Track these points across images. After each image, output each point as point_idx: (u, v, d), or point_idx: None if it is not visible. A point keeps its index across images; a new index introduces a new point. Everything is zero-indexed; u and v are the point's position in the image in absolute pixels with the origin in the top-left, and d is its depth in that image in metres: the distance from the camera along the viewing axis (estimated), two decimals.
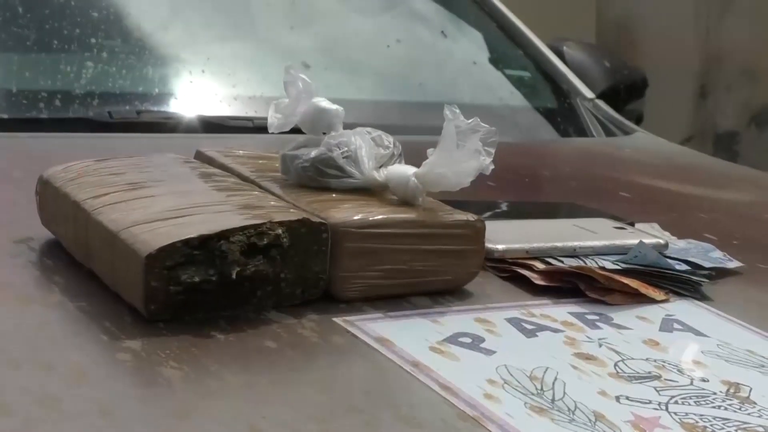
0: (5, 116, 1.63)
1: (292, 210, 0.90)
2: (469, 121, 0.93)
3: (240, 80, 1.81)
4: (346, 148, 0.96)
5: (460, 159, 0.93)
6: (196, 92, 1.77)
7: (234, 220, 0.86)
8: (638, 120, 2.27)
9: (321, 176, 0.96)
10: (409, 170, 0.96)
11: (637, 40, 4.76)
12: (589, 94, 2.09)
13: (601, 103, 2.08)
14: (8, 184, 1.25)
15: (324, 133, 0.98)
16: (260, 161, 1.11)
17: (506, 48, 2.25)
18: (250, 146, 1.24)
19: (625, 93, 2.25)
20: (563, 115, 2.06)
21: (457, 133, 0.93)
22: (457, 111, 0.93)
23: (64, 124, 1.60)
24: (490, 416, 0.74)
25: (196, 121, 1.67)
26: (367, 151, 0.97)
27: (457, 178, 0.93)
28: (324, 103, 0.99)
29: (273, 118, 1.02)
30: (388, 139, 1.00)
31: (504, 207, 1.25)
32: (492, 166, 0.95)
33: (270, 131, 1.02)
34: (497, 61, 2.22)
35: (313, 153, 0.96)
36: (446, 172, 0.93)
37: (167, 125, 1.66)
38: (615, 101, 2.19)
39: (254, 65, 1.92)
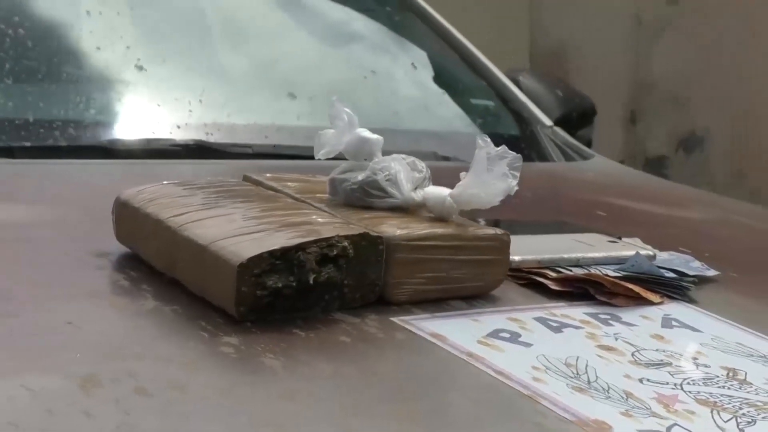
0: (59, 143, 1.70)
1: (352, 226, 1.00)
2: (498, 149, 1.04)
3: (233, 110, 1.90)
4: (387, 173, 1.06)
5: (490, 181, 1.04)
6: (196, 123, 1.83)
7: (307, 234, 0.97)
8: (588, 145, 2.33)
9: (367, 197, 1.07)
10: (445, 191, 1.07)
11: (569, 68, 4.91)
12: (547, 121, 2.18)
13: (558, 129, 2.18)
14: (64, 207, 1.36)
15: (365, 159, 1.08)
16: (302, 184, 1.21)
17: (471, 79, 2.32)
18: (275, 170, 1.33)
19: (576, 120, 2.34)
20: (526, 141, 2.11)
21: (487, 159, 1.03)
22: (488, 140, 1.05)
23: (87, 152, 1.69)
24: (542, 395, 0.85)
25: (199, 149, 1.75)
26: (405, 175, 1.07)
27: (488, 197, 1.04)
28: (366, 133, 1.10)
29: (320, 146, 1.13)
30: (421, 165, 1.10)
31: (505, 225, 1.38)
32: (517, 188, 1.05)
33: (317, 158, 1.13)
34: (463, 91, 2.31)
35: (360, 177, 1.07)
36: (479, 193, 1.04)
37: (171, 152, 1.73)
38: (568, 128, 2.26)
39: (243, 95, 2.01)
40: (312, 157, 1.23)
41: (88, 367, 0.85)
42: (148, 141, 1.76)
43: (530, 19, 5.19)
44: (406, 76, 2.28)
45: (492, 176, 1.06)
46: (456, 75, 2.36)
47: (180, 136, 1.81)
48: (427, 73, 2.28)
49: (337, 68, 2.26)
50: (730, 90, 4.42)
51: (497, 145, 1.27)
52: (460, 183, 1.07)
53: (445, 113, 2.21)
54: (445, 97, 2.23)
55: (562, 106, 2.34)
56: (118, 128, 1.85)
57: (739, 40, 4.39)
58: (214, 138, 1.80)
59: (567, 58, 5.01)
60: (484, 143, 1.06)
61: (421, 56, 2.34)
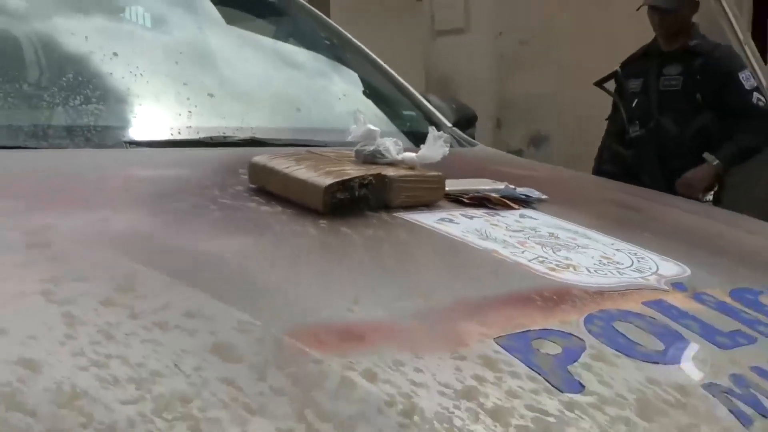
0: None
1: (371, 171, 1.33)
2: (439, 132, 1.44)
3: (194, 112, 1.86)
4: (384, 146, 1.42)
5: (435, 149, 1.43)
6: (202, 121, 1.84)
7: (353, 174, 1.30)
8: (472, 138, 2.50)
9: (374, 158, 1.40)
10: (414, 154, 1.42)
11: (454, 91, 5.04)
12: (448, 123, 2.41)
13: (455, 128, 2.40)
14: (198, 171, 1.52)
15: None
16: (314, 159, 1.44)
17: (400, 98, 2.46)
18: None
19: (464, 123, 2.55)
20: (461, 137, 2.34)
21: (434, 139, 1.44)
22: (440, 132, 1.44)
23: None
24: (468, 241, 1.22)
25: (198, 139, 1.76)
26: (392, 147, 1.42)
27: (434, 156, 1.42)
28: (372, 127, 1.45)
29: (353, 132, 1.46)
30: (399, 142, 1.44)
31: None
32: (447, 152, 1.44)
33: (350, 139, 1.45)
34: (396, 103, 2.46)
35: (371, 148, 1.42)
36: (430, 154, 1.43)
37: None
38: (460, 128, 2.47)
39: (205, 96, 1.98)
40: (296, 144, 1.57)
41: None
42: (211, 137, 1.77)
43: (425, 57, 5.32)
44: (359, 95, 2.45)
45: (436, 147, 1.45)
46: (390, 95, 2.47)
47: (203, 133, 1.79)
48: (372, 95, 2.45)
49: (298, 89, 2.30)
50: (563, 105, 4.67)
51: (418, 138, 1.69)
52: (420, 150, 1.45)
53: (385, 117, 2.36)
54: (387, 109, 2.40)
55: (456, 114, 2.55)
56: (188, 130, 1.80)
57: (570, 69, 4.60)
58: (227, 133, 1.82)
59: (452, 83, 5.17)
60: (434, 130, 1.46)
61: (367, 82, 2.47)
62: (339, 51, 2.52)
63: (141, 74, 1.86)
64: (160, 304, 0.93)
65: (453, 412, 0.83)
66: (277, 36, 2.47)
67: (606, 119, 3.94)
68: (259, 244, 1.18)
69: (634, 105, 3.75)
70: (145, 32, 2.06)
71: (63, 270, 1.00)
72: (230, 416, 0.78)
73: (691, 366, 0.99)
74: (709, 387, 0.95)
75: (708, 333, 1.06)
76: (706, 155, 3.60)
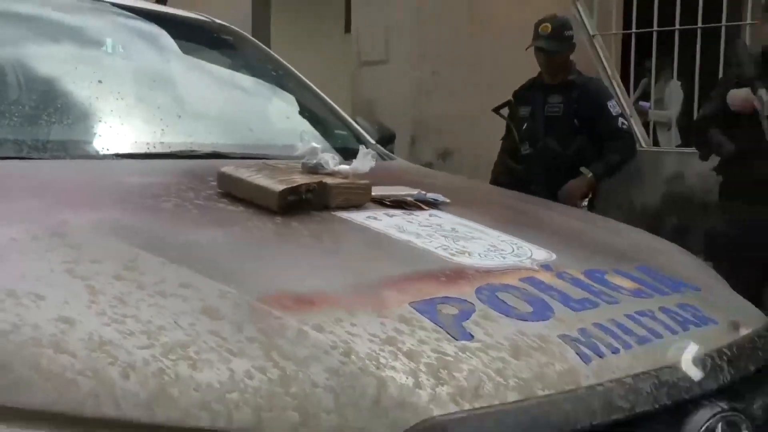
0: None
1: (315, 179, 1.41)
2: (368, 150, 1.55)
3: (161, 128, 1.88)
4: (325, 159, 1.50)
5: (365, 162, 1.52)
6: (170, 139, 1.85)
7: (300, 181, 1.38)
8: (391, 152, 2.51)
9: (316, 168, 1.48)
10: (348, 166, 1.50)
11: (377, 113, 5.01)
12: (372, 141, 2.42)
13: (378, 145, 2.40)
14: (170, 178, 1.57)
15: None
16: (270, 169, 1.48)
17: (332, 118, 2.46)
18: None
19: (385, 141, 2.55)
20: (383, 152, 2.33)
21: (363, 154, 1.54)
22: (368, 149, 1.54)
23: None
24: (391, 235, 1.31)
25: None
26: (331, 160, 1.50)
27: (363, 168, 1.51)
28: (316, 146, 1.52)
29: (300, 150, 1.52)
30: (337, 156, 1.54)
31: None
32: (373, 165, 1.53)
33: (297, 154, 1.52)
34: (330, 124, 2.45)
35: (314, 161, 1.50)
36: (361, 167, 1.51)
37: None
38: (382, 144, 2.47)
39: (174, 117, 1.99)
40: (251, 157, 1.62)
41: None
42: (180, 150, 1.81)
43: (352, 83, 5.30)
44: (301, 117, 2.44)
45: (365, 161, 1.53)
46: (326, 117, 2.47)
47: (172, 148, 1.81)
48: (311, 117, 2.45)
49: (251, 111, 2.31)
50: (466, 126, 4.66)
51: (348, 153, 1.79)
52: (353, 163, 1.52)
53: (319, 135, 2.31)
54: (322, 129, 2.40)
55: (378, 133, 2.55)
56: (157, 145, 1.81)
57: (472, 96, 4.61)
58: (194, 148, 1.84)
59: (375, 106, 5.14)
60: (364, 148, 1.56)
61: (307, 106, 2.46)
62: (283, 80, 2.50)
63: (123, 99, 1.93)
64: (159, 279, 1.05)
65: (378, 354, 0.97)
66: (233, 67, 2.47)
67: (501, 139, 3.95)
68: (230, 234, 1.28)
69: (524, 128, 3.76)
70: (125, 65, 2.10)
71: (80, 254, 1.10)
72: (218, 357, 0.93)
73: (550, 322, 1.12)
74: (563, 336, 1.09)
75: (564, 300, 1.19)
76: (582, 169, 3.66)
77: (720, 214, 3.35)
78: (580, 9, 4.11)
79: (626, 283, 1.33)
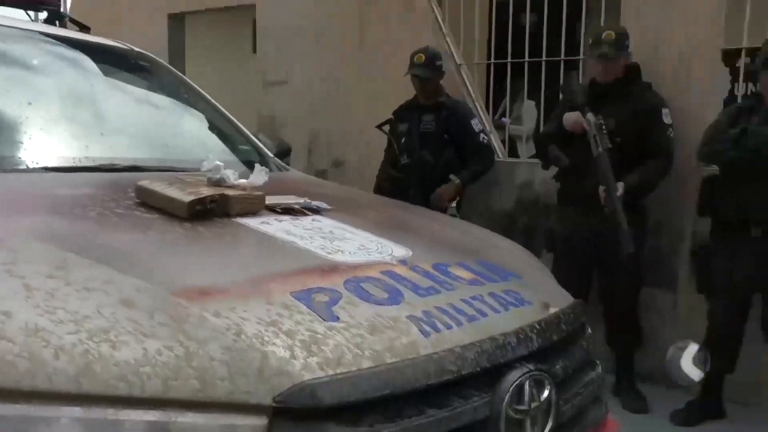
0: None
1: (218, 190, 1.46)
2: (262, 167, 1.60)
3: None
4: (227, 174, 1.54)
5: (259, 177, 1.57)
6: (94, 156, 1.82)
7: (206, 193, 1.43)
8: (288, 164, 2.50)
9: (219, 182, 1.53)
10: (245, 180, 1.55)
11: (279, 127, 5.08)
12: (271, 154, 2.42)
13: (275, 158, 2.41)
14: (91, 189, 1.54)
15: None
16: (180, 183, 1.54)
17: (237, 135, 2.44)
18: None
19: (283, 154, 2.53)
20: (264, 163, 2.20)
21: (258, 169, 1.59)
22: (262, 166, 1.61)
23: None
24: (279, 237, 1.37)
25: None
26: (232, 175, 1.54)
27: (259, 182, 1.56)
28: (219, 163, 1.55)
29: (205, 166, 1.58)
30: (236, 172, 1.57)
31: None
32: (267, 179, 1.57)
33: (203, 170, 1.56)
34: (235, 140, 2.41)
35: (218, 175, 1.54)
36: (256, 181, 1.57)
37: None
38: (279, 157, 2.47)
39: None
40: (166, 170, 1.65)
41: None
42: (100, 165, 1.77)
43: (258, 101, 5.24)
44: (210, 135, 2.43)
45: (259, 176, 1.58)
46: (231, 134, 2.44)
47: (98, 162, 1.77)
48: (219, 135, 2.43)
49: (166, 129, 2.27)
50: (354, 139, 4.68)
51: (251, 165, 1.84)
52: (250, 177, 1.57)
53: (228, 151, 2.33)
54: (228, 144, 2.38)
55: (277, 147, 2.53)
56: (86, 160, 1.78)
57: (359, 113, 4.66)
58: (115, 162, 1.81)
59: (277, 122, 5.15)
60: (259, 167, 1.60)
61: (215, 125, 2.43)
62: (194, 101, 2.48)
63: (51, 118, 1.92)
64: (85, 276, 1.10)
65: (263, 333, 1.06)
66: (149, 90, 2.46)
67: (384, 150, 4.00)
68: (146, 237, 1.33)
69: (402, 142, 3.84)
70: (53, 88, 2.05)
71: (17, 256, 1.14)
72: (134, 339, 1.00)
73: (401, 306, 1.23)
74: (409, 317, 1.20)
75: (414, 288, 1.31)
76: (451, 176, 3.78)
77: (558, 214, 3.61)
78: (449, 42, 4.28)
79: (465, 274, 1.45)
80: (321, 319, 1.12)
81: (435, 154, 3.80)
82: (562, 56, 3.87)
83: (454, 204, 3.81)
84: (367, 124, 4.13)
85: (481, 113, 4.10)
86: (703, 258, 3.17)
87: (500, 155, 4.11)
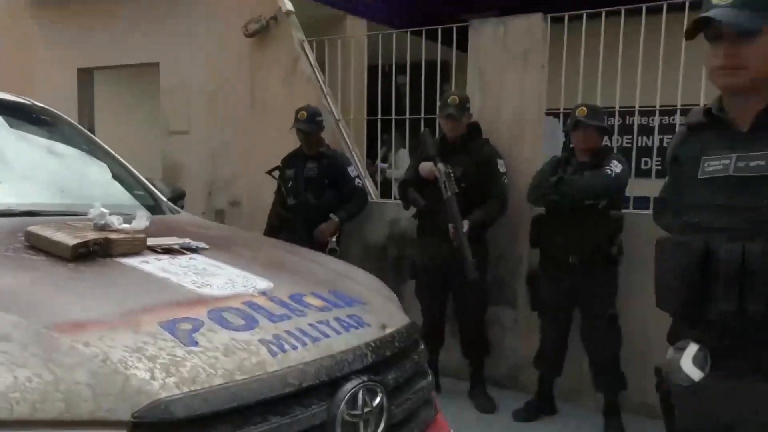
0: None
1: (102, 234, 1.46)
2: (143, 212, 1.59)
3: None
4: (112, 220, 1.53)
5: (141, 222, 1.57)
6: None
7: (90, 237, 1.43)
8: (182, 207, 2.47)
9: (104, 227, 1.52)
10: (129, 225, 1.54)
11: (182, 172, 4.93)
12: (164, 198, 2.34)
13: (169, 202, 2.35)
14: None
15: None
16: (68, 228, 1.51)
17: (133, 181, 2.36)
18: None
19: (176, 198, 2.49)
20: (158, 209, 2.25)
21: (138, 216, 1.58)
22: (144, 212, 1.60)
23: None
24: (159, 276, 1.39)
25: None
26: (116, 221, 1.53)
27: (141, 227, 1.55)
28: (104, 210, 1.53)
29: (92, 212, 1.58)
30: (120, 217, 1.55)
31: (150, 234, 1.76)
32: (148, 224, 1.57)
33: (90, 215, 1.56)
34: (131, 186, 2.34)
35: (102, 221, 1.52)
36: (139, 225, 1.56)
37: None
38: (173, 201, 2.40)
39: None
40: (60, 215, 1.61)
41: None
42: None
43: (162, 149, 5.08)
44: (106, 181, 2.33)
45: (141, 221, 1.56)
46: (127, 180, 2.37)
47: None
48: (117, 181, 2.35)
49: (62, 177, 2.18)
50: (249, 182, 4.63)
51: (150, 209, 1.79)
52: (132, 222, 1.57)
53: (126, 196, 2.28)
54: (124, 190, 2.31)
55: (172, 192, 2.49)
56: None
57: (253, 160, 4.56)
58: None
59: (180, 167, 5.02)
60: (141, 211, 1.61)
61: (114, 173, 2.37)
62: (92, 151, 2.42)
63: None
64: None
65: (128, 358, 1.08)
66: (49, 141, 2.38)
67: (274, 192, 4.02)
68: (31, 278, 1.31)
69: (289, 185, 3.88)
70: None
71: None
72: (5, 369, 1.00)
73: (254, 331, 1.27)
74: (261, 340, 1.25)
75: (269, 315, 1.34)
76: (331, 215, 3.87)
77: (417, 247, 3.77)
78: (329, 100, 4.39)
79: (317, 302, 1.50)
80: (182, 345, 1.14)
81: (317, 196, 3.88)
82: (422, 114, 4.07)
83: (334, 239, 3.88)
84: (259, 170, 4.14)
85: (357, 161, 4.22)
86: (534, 282, 3.38)
87: (373, 197, 4.23)
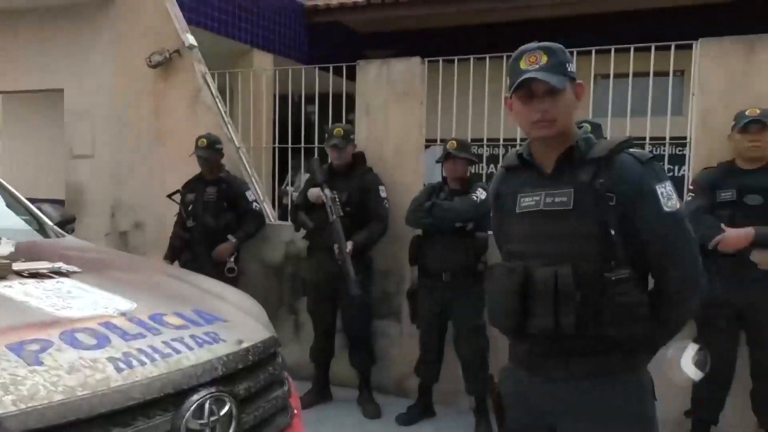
0: None
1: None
2: (7, 240, 1.63)
3: None
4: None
5: (6, 248, 1.62)
6: None
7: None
8: (71, 231, 2.45)
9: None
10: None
11: (85, 194, 4.76)
12: (51, 223, 2.29)
13: (55, 227, 2.31)
14: None
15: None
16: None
17: (19, 206, 2.29)
18: None
19: (65, 222, 2.46)
20: (43, 233, 2.19)
21: (4, 243, 1.61)
22: (9, 240, 1.60)
23: None
24: (23, 302, 1.47)
25: None
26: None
27: (4, 252, 1.54)
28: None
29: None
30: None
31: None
32: (13, 250, 1.59)
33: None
34: (19, 211, 2.26)
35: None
36: (6, 249, 1.62)
37: None
38: (61, 226, 2.36)
39: None
40: None
41: None
42: None
43: (66, 172, 4.85)
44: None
45: (6, 247, 1.58)
46: (13, 205, 2.31)
47: None
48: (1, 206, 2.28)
49: None
50: (149, 205, 4.52)
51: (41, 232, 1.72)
52: None
53: (15, 220, 2.20)
54: (13, 214, 2.25)
55: (60, 217, 2.44)
56: None
57: (154, 183, 4.36)
58: None
59: (84, 190, 4.82)
60: (4, 240, 1.60)
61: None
62: None
63: None
64: None
65: None
66: None
67: (175, 215, 3.97)
68: None
69: (190, 208, 3.83)
70: None
71: None
72: None
73: (105, 350, 1.29)
74: (109, 358, 1.27)
75: (123, 335, 1.36)
76: (229, 236, 3.83)
77: (307, 265, 3.83)
78: (230, 129, 4.40)
79: (176, 321, 1.52)
80: (26, 365, 1.15)
81: (216, 218, 3.85)
82: (316, 144, 4.15)
83: (232, 259, 3.86)
84: (162, 194, 4.07)
85: (255, 186, 4.23)
86: (413, 296, 3.51)
87: (271, 219, 4.25)
